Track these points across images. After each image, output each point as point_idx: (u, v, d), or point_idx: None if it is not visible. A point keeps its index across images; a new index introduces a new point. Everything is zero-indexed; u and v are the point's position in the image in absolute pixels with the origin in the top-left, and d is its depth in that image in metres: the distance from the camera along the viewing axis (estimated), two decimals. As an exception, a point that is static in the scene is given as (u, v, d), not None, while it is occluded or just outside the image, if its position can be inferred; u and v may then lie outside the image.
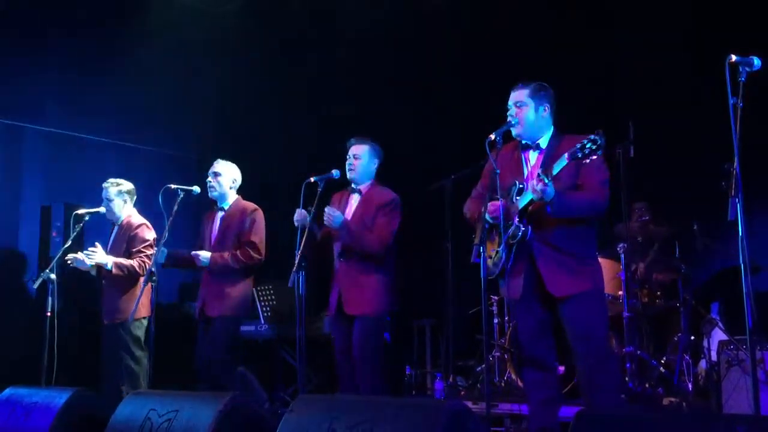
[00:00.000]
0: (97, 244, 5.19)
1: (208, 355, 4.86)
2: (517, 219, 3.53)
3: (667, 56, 6.31)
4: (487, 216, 3.60)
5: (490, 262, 3.66)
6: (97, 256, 5.13)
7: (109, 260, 5.15)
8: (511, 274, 3.60)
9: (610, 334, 3.85)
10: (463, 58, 7.08)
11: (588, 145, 3.25)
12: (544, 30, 6.69)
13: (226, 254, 4.94)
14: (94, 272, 5.31)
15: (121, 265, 5.15)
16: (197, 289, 5.26)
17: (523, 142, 3.72)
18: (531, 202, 3.48)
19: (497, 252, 3.61)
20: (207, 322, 4.96)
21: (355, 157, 4.56)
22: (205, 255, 4.93)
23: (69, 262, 5.20)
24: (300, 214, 4.38)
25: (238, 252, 4.93)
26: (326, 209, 4.38)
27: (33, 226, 6.54)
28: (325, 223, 4.39)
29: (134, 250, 5.25)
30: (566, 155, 3.34)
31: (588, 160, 3.30)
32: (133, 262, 5.16)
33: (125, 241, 5.29)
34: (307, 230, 4.30)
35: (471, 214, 3.86)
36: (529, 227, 3.52)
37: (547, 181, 3.31)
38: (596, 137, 3.25)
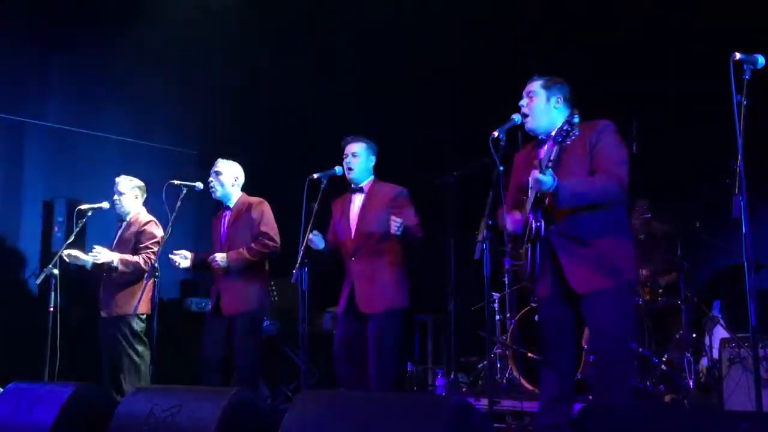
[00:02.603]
0: (95, 246, 5.17)
1: (236, 360, 4.79)
2: (532, 215, 3.45)
3: (671, 53, 6.30)
4: (508, 227, 3.56)
5: (519, 264, 3.64)
6: (102, 256, 5.12)
7: (114, 257, 5.16)
8: (540, 273, 3.54)
9: (630, 329, 3.71)
10: (466, 53, 7.07)
11: (565, 128, 3.26)
12: (548, 25, 6.68)
13: (240, 249, 4.88)
14: (89, 266, 5.34)
15: (126, 261, 5.16)
16: (198, 285, 5.26)
17: (539, 137, 3.66)
18: (543, 194, 3.40)
19: (524, 252, 3.56)
20: (223, 319, 4.87)
21: (353, 155, 4.55)
22: (221, 257, 4.85)
23: (67, 259, 5.20)
24: (313, 243, 4.38)
25: (252, 244, 4.87)
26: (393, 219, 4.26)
27: (35, 221, 6.55)
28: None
29: (141, 246, 5.26)
30: (550, 141, 3.34)
31: (569, 141, 3.27)
32: (139, 259, 5.17)
33: (133, 237, 5.31)
34: (306, 239, 4.28)
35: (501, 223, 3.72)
36: (542, 222, 3.43)
37: (542, 171, 3.26)
38: (570, 118, 3.26)
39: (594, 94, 6.28)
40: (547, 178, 3.26)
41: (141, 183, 5.49)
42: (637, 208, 6.05)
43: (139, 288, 5.05)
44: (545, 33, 6.68)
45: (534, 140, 3.74)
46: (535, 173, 3.28)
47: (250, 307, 4.85)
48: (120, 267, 5.14)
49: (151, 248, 5.22)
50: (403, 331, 4.50)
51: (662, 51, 6.33)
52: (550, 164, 3.31)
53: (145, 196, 5.50)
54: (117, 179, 5.43)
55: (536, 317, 4.86)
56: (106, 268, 5.21)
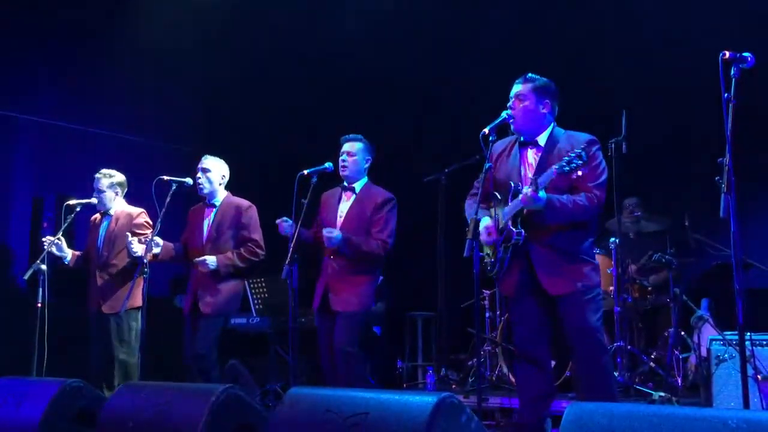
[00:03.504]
0: (132, 240, 5.02)
1: (196, 350, 4.83)
2: (511, 224, 3.54)
3: (660, 51, 6.32)
4: (480, 237, 3.64)
5: (486, 259, 3.68)
6: (138, 249, 4.93)
7: (139, 250, 5.08)
8: (506, 272, 3.63)
9: (604, 328, 3.85)
10: (457, 51, 7.07)
11: (575, 161, 3.33)
12: (537, 23, 6.69)
13: (230, 254, 4.91)
14: (67, 260, 5.31)
15: (143, 259, 5.03)
16: (187, 282, 5.22)
17: (522, 139, 3.70)
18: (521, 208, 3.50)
19: (494, 251, 3.64)
20: (197, 317, 4.92)
21: (348, 154, 4.57)
22: (212, 260, 4.86)
23: (46, 246, 5.17)
24: (282, 227, 4.41)
25: (242, 250, 4.92)
26: (324, 231, 4.40)
27: (24, 217, 6.52)
28: (325, 244, 4.41)
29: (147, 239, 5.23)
30: (554, 169, 3.39)
31: (574, 175, 3.38)
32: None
33: (128, 230, 5.27)
34: (296, 235, 4.29)
35: (470, 213, 3.81)
36: (522, 233, 3.53)
37: (537, 191, 3.36)
38: (582, 152, 3.33)
39: (583, 93, 6.33)
40: (541, 200, 3.38)
41: (121, 178, 5.45)
42: (627, 206, 6.08)
43: (135, 284, 5.05)
44: (533, 29, 6.68)
45: (514, 135, 3.77)
46: (530, 193, 3.36)
47: (221, 308, 4.90)
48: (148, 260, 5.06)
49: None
50: (365, 329, 4.63)
51: (652, 47, 6.35)
52: (542, 184, 3.39)
53: (126, 189, 5.47)
54: (96, 176, 5.41)
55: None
56: (101, 264, 5.19)
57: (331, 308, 4.45)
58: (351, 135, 4.64)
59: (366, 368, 4.48)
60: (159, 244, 4.90)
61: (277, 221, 4.40)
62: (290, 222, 4.38)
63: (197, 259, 4.89)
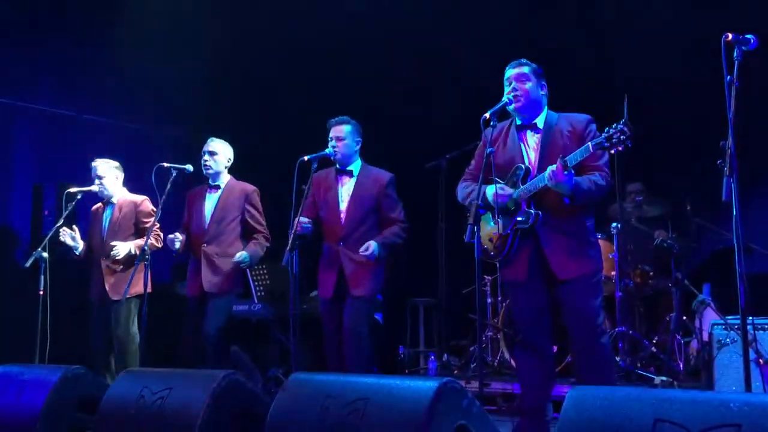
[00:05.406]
0: (114, 243, 5.20)
1: (205, 331, 4.86)
2: (526, 205, 3.53)
3: (662, 34, 6.28)
4: (489, 199, 3.58)
5: (490, 245, 3.66)
6: (121, 250, 5.16)
7: (131, 246, 5.19)
8: (514, 256, 3.60)
9: (604, 314, 3.85)
10: (457, 36, 7.04)
11: (615, 135, 3.22)
12: (537, 8, 6.65)
13: (252, 246, 5.03)
14: (78, 251, 5.32)
15: (143, 247, 5.11)
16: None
17: (519, 122, 3.70)
18: (543, 187, 3.46)
19: (499, 236, 3.61)
20: (201, 299, 4.96)
21: (337, 138, 4.53)
22: (243, 256, 4.96)
23: (61, 235, 5.20)
24: (300, 225, 4.31)
25: (260, 238, 5.07)
26: (361, 251, 4.37)
27: (25, 204, 6.52)
28: (368, 258, 4.41)
29: (146, 225, 5.24)
30: (590, 145, 3.32)
31: (614, 150, 3.25)
32: (152, 240, 5.10)
33: (132, 218, 5.32)
34: (297, 222, 4.25)
35: (464, 196, 3.81)
36: (540, 213, 3.51)
37: (565, 168, 3.32)
38: (624, 126, 3.21)
39: (584, 76, 6.30)
40: (570, 181, 3.35)
41: (117, 163, 5.48)
42: (630, 191, 6.06)
43: (137, 270, 5.07)
44: (533, 12, 6.64)
45: (509, 119, 3.76)
46: (556, 170, 3.31)
47: (226, 288, 4.97)
48: (138, 254, 5.13)
49: (156, 224, 5.20)
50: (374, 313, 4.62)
51: (654, 30, 6.31)
52: (564, 162, 3.34)
53: (123, 175, 5.48)
54: (93, 164, 5.41)
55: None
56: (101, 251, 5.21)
57: (354, 294, 4.42)
58: (337, 118, 4.60)
59: (372, 354, 4.49)
60: (180, 239, 4.95)
61: (296, 221, 4.25)
62: (309, 224, 4.38)
63: (233, 260, 4.94)
